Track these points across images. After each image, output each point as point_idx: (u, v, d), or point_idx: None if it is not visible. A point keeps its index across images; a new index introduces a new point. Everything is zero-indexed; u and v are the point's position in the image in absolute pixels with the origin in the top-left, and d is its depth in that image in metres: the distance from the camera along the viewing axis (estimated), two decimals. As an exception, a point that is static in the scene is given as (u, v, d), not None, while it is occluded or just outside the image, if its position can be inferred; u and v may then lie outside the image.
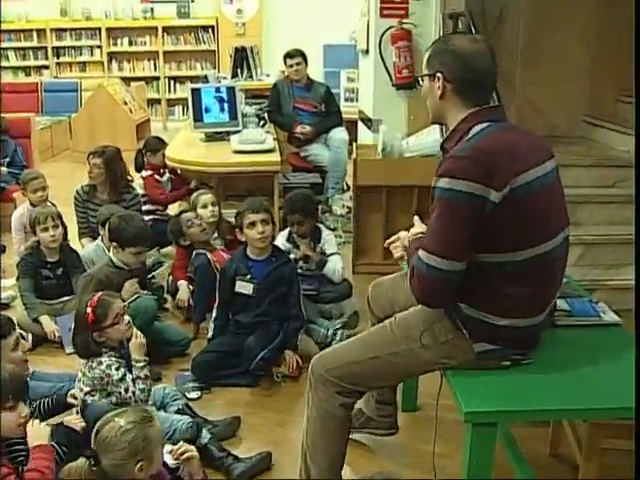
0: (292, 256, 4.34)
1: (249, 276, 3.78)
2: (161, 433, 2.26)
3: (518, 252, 2.15)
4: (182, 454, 2.41)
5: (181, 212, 4.70)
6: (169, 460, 2.43)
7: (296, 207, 4.39)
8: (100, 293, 3.18)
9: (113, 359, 3.06)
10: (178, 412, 3.15)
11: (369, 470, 2.97)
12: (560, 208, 2.31)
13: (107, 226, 4.12)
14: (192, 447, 2.46)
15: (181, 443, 2.48)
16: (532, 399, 2.16)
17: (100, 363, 3.03)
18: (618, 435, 2.49)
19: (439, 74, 2.28)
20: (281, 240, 4.51)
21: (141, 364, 3.07)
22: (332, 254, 4.49)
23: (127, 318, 3.15)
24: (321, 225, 4.73)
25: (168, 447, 2.41)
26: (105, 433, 2.16)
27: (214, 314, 3.85)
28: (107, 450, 2.14)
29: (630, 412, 2.07)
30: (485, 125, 2.21)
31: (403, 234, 2.54)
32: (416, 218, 2.60)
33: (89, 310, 3.06)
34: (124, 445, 2.13)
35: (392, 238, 2.59)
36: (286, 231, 4.56)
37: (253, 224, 3.76)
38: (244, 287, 3.77)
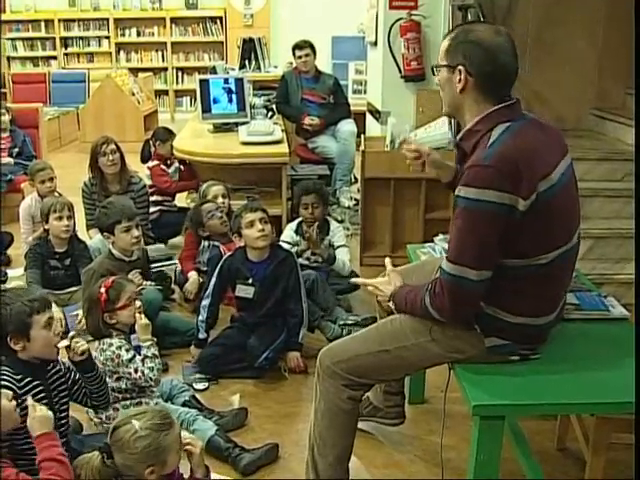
0: (298, 248, 4.34)
1: (250, 280, 3.73)
2: (178, 438, 2.22)
3: (541, 256, 2.14)
4: (185, 445, 2.35)
5: (203, 202, 4.66)
6: None
7: (312, 188, 4.45)
8: (114, 277, 3.25)
9: (123, 341, 3.11)
10: (185, 404, 3.17)
11: (377, 461, 2.97)
12: (576, 204, 2.29)
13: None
14: (199, 442, 2.41)
15: (192, 436, 2.45)
16: (540, 393, 2.16)
17: (110, 345, 3.08)
18: (625, 430, 2.48)
19: (461, 67, 2.17)
20: (289, 232, 4.51)
21: (148, 343, 3.10)
22: (339, 247, 4.50)
23: (138, 303, 3.17)
24: (329, 217, 4.74)
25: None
26: (121, 434, 2.14)
27: (202, 314, 3.75)
28: (120, 451, 2.14)
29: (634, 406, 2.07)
30: (506, 126, 2.13)
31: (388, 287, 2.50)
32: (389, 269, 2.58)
33: (102, 290, 3.13)
34: (136, 451, 2.12)
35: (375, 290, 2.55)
36: (294, 223, 4.56)
37: (252, 223, 3.70)
38: (245, 291, 3.74)
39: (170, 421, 2.22)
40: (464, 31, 2.22)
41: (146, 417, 2.18)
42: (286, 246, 4.15)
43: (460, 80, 2.19)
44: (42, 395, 2.57)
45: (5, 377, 2.47)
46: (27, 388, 2.51)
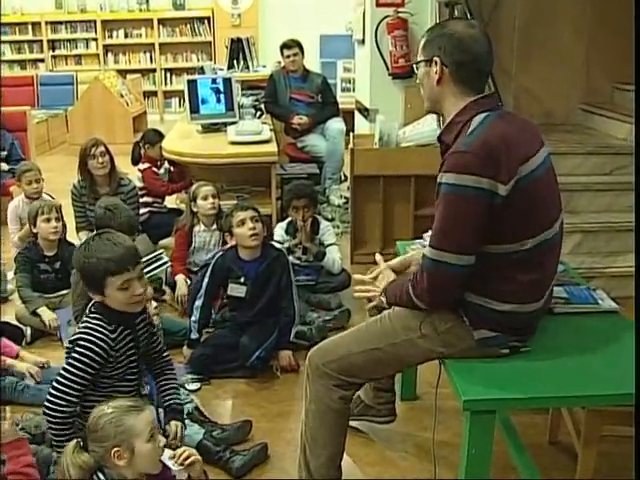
0: (290, 243, 4.34)
1: (242, 278, 3.72)
2: (148, 425, 2.19)
3: (524, 241, 2.15)
4: (186, 459, 2.34)
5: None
6: (172, 465, 2.34)
7: (304, 192, 4.46)
8: None
9: None
10: (188, 415, 3.06)
11: (369, 459, 2.97)
12: (556, 194, 2.31)
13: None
14: (194, 451, 2.41)
15: (184, 448, 2.42)
16: (530, 386, 2.16)
17: None
18: (616, 422, 2.49)
19: (436, 58, 2.23)
20: (279, 232, 4.51)
21: None
22: (329, 245, 4.50)
23: (154, 304, 3.15)
24: (319, 216, 4.74)
25: (170, 452, 2.36)
26: (91, 417, 2.18)
27: (195, 314, 3.73)
28: (89, 434, 2.16)
29: (628, 398, 2.07)
30: (484, 116, 2.18)
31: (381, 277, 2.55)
32: (379, 258, 2.64)
33: None
34: (98, 428, 2.13)
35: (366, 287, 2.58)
36: (284, 222, 4.56)
37: (243, 222, 3.69)
38: (237, 290, 3.73)
39: (140, 405, 2.22)
40: (438, 27, 2.35)
41: (117, 401, 2.22)
42: (277, 245, 4.15)
43: (436, 72, 2.25)
44: (131, 343, 2.62)
45: (99, 330, 2.53)
46: (120, 337, 2.58)
